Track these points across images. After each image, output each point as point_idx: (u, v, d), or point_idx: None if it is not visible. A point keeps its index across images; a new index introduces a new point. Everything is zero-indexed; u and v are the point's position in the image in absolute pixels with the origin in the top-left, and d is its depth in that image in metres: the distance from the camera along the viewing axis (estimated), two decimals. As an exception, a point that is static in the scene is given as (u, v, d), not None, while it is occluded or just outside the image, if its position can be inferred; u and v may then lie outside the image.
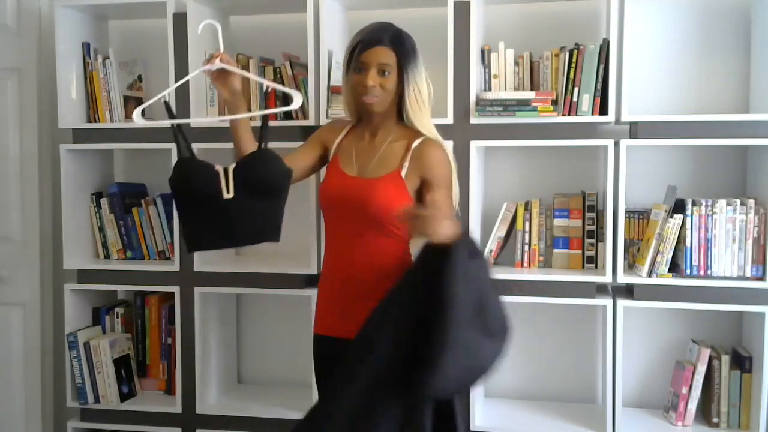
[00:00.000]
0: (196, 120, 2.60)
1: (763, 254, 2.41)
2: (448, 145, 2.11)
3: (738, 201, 2.44)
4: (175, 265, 2.72)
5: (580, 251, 2.60)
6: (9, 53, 2.97)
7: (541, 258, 2.64)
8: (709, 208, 2.44)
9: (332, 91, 2.57)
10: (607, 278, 2.48)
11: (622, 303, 2.49)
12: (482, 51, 2.58)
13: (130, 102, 2.89)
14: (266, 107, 2.69)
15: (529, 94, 2.48)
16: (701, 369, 2.52)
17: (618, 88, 2.49)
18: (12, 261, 3.02)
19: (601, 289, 2.59)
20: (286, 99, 2.69)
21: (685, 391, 2.53)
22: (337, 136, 2.13)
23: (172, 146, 2.63)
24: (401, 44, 1.98)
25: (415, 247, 2.04)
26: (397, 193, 1.98)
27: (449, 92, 2.51)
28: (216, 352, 2.87)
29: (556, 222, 2.61)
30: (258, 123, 2.03)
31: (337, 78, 2.62)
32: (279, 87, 2.20)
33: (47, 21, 2.95)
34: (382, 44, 1.96)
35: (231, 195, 1.94)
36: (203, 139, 2.62)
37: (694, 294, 2.44)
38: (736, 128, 2.41)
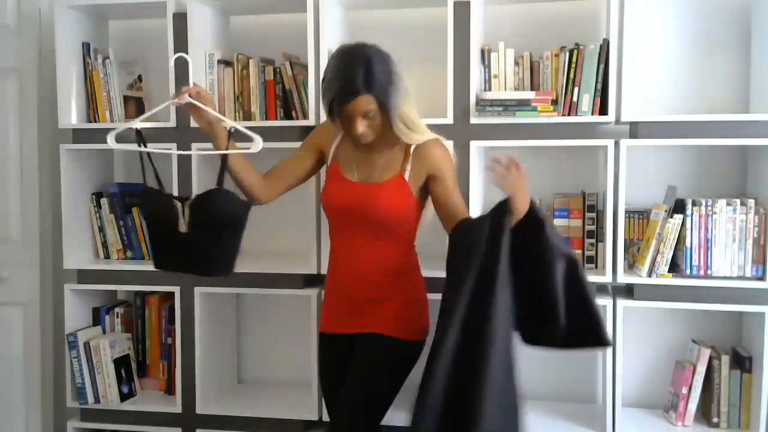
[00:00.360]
0: (166, 151, 2.53)
1: (763, 254, 2.41)
2: (445, 140, 2.11)
3: (738, 201, 2.44)
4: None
5: (580, 251, 2.60)
6: (9, 53, 2.97)
7: (541, 258, 2.63)
8: (709, 208, 2.44)
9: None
10: (607, 278, 2.48)
11: (622, 303, 2.49)
12: (482, 51, 2.58)
13: (130, 102, 2.89)
14: (266, 111, 2.69)
15: (529, 94, 2.48)
16: (701, 369, 2.52)
17: (618, 88, 2.49)
18: (12, 261, 3.02)
19: (601, 289, 2.59)
20: (286, 99, 2.69)
21: (685, 391, 2.53)
22: (333, 140, 2.14)
23: (172, 146, 2.65)
24: (374, 84, 1.90)
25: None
26: (402, 197, 2.02)
27: (449, 92, 2.51)
28: (216, 352, 2.87)
29: (556, 222, 2.61)
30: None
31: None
32: (242, 129, 2.10)
33: (47, 21, 2.95)
34: (359, 94, 1.89)
35: (185, 230, 2.02)
36: (202, 139, 2.62)
37: (694, 294, 2.44)
38: (736, 128, 2.41)
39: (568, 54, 2.49)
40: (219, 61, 2.71)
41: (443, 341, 1.81)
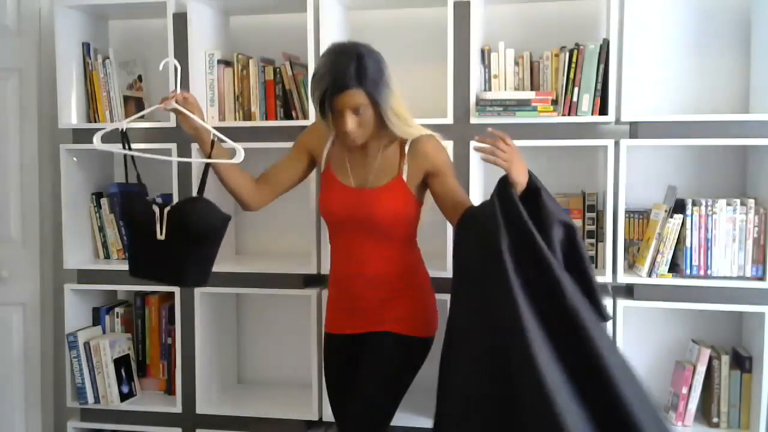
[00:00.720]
0: (153, 156, 2.54)
1: (763, 254, 2.41)
2: (438, 136, 2.10)
3: (738, 201, 2.44)
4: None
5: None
6: (9, 53, 2.97)
7: (541, 258, 2.63)
8: (709, 208, 2.44)
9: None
10: (607, 278, 2.48)
11: (622, 303, 2.49)
12: (482, 51, 2.58)
13: (130, 102, 2.89)
14: (266, 111, 2.69)
15: (529, 94, 2.48)
16: (701, 369, 2.52)
17: (618, 88, 2.49)
18: (12, 261, 3.02)
19: (601, 289, 2.59)
20: (286, 99, 2.69)
21: (685, 391, 2.53)
22: (324, 143, 2.12)
23: (173, 146, 2.65)
24: (366, 78, 1.89)
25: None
26: (402, 200, 2.02)
27: (449, 92, 2.51)
28: (216, 352, 2.87)
29: (556, 222, 2.61)
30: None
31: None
32: (223, 138, 2.08)
33: (47, 21, 2.95)
34: (349, 88, 1.88)
35: (162, 237, 2.00)
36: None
37: (694, 294, 2.44)
38: (736, 128, 2.41)
39: (568, 54, 2.49)
40: (219, 61, 2.71)
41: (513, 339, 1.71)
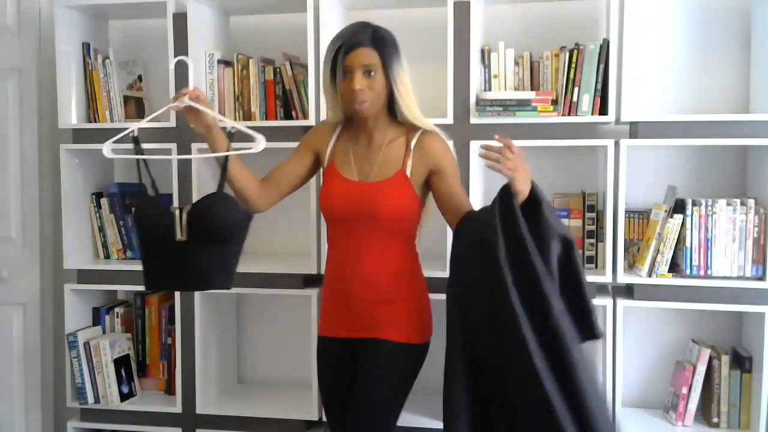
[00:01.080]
0: (164, 158, 2.55)
1: (763, 254, 2.41)
2: (444, 134, 2.09)
3: (738, 201, 2.44)
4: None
5: (580, 251, 2.60)
6: (9, 53, 2.97)
7: (541, 258, 2.63)
8: (709, 208, 2.44)
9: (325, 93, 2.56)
10: (607, 278, 2.48)
11: (622, 303, 2.49)
12: (482, 51, 2.58)
13: (130, 102, 2.89)
14: (266, 111, 2.69)
15: (529, 94, 2.49)
16: (701, 369, 2.52)
17: (618, 88, 2.49)
18: (12, 261, 3.02)
19: (601, 289, 2.59)
20: (286, 99, 2.69)
21: (685, 391, 2.53)
22: (329, 140, 2.10)
23: (173, 146, 2.65)
24: (382, 42, 1.94)
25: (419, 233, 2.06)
26: (405, 194, 1.98)
27: (449, 92, 2.51)
28: (216, 352, 2.87)
29: (556, 222, 2.61)
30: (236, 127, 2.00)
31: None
32: (243, 129, 2.06)
33: (47, 21, 2.95)
34: (363, 45, 1.92)
35: (183, 238, 1.92)
36: (202, 139, 2.62)
37: (694, 294, 2.44)
38: (736, 128, 2.41)
39: (568, 54, 2.49)
40: (219, 61, 2.71)
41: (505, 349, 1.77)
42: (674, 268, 2.48)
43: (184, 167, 2.66)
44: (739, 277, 2.44)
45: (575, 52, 2.48)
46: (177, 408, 2.77)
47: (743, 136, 2.41)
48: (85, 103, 2.86)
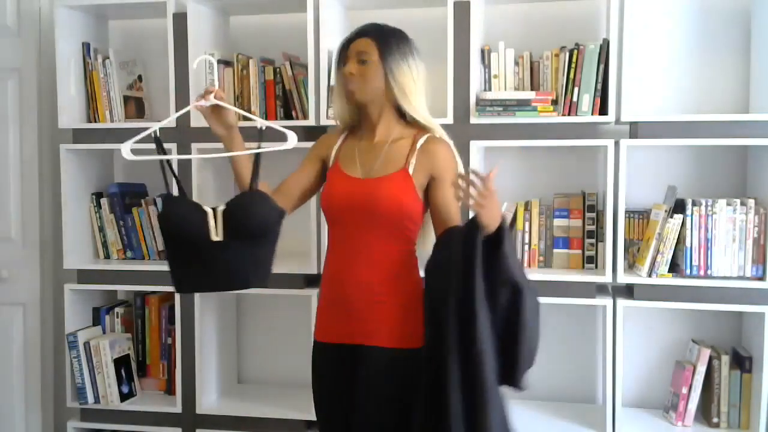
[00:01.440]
0: (187, 156, 2.56)
1: (763, 254, 2.41)
2: (452, 142, 2.07)
3: (738, 201, 2.44)
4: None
5: (580, 251, 2.60)
6: (9, 53, 2.97)
7: (541, 258, 2.64)
8: (709, 208, 2.44)
9: (332, 91, 2.56)
10: (607, 278, 2.48)
11: (622, 303, 2.49)
12: (482, 51, 2.58)
13: (130, 102, 2.89)
14: (266, 111, 2.69)
15: (529, 94, 2.49)
16: (701, 369, 2.52)
17: (618, 88, 2.49)
18: (12, 261, 3.02)
19: (601, 289, 2.59)
20: (286, 99, 2.69)
21: (685, 391, 2.53)
22: (334, 144, 2.09)
23: (173, 146, 2.65)
24: (383, 35, 1.97)
25: (421, 249, 2.04)
26: (406, 191, 1.94)
27: (449, 92, 2.51)
28: (216, 352, 2.87)
29: (556, 222, 2.61)
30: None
31: (337, 78, 2.62)
32: (275, 126, 2.06)
33: (47, 21, 2.95)
34: (362, 36, 1.98)
35: (219, 238, 1.89)
36: (201, 139, 2.63)
37: (694, 294, 2.44)
38: (736, 128, 2.41)
39: (568, 54, 2.49)
40: (219, 61, 2.71)
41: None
42: (674, 268, 2.48)
43: (184, 168, 2.66)
44: (739, 277, 2.44)
45: (575, 52, 2.48)
46: (177, 408, 2.77)
47: (743, 136, 2.41)
48: (85, 103, 2.86)
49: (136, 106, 2.91)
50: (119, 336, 2.89)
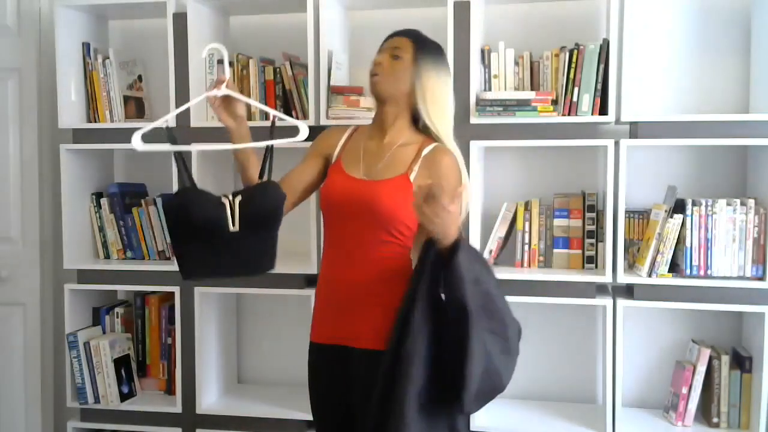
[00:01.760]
0: (199, 147, 2.56)
1: (763, 254, 2.41)
2: (459, 156, 2.02)
3: (738, 201, 2.44)
4: (174, 265, 2.70)
5: (580, 251, 2.60)
6: (9, 53, 2.97)
7: (541, 258, 2.64)
8: (709, 208, 2.44)
9: (332, 91, 2.56)
10: (607, 278, 2.48)
11: (622, 303, 2.49)
12: (482, 51, 2.58)
13: (130, 102, 2.89)
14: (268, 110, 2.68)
15: (529, 94, 2.49)
16: (701, 369, 2.52)
17: (618, 88, 2.49)
18: (12, 261, 3.02)
19: (601, 289, 2.59)
20: (286, 99, 2.69)
21: (685, 391, 2.53)
22: (338, 141, 2.08)
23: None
24: (422, 41, 2.01)
25: (415, 253, 2.03)
26: (404, 197, 1.91)
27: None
28: (216, 352, 2.87)
29: (556, 222, 2.61)
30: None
31: (338, 78, 2.62)
32: (285, 117, 2.08)
33: (47, 21, 2.95)
34: (402, 36, 2.01)
35: (236, 228, 1.90)
36: (201, 138, 2.63)
37: (694, 294, 2.44)
38: (736, 128, 2.41)
39: (568, 54, 2.49)
40: (219, 61, 2.71)
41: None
42: (674, 268, 2.48)
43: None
44: (739, 277, 2.44)
45: (575, 52, 2.48)
46: (177, 408, 2.77)
47: (743, 136, 2.41)
48: (85, 103, 2.86)
49: (136, 106, 2.91)
50: (119, 336, 2.89)
